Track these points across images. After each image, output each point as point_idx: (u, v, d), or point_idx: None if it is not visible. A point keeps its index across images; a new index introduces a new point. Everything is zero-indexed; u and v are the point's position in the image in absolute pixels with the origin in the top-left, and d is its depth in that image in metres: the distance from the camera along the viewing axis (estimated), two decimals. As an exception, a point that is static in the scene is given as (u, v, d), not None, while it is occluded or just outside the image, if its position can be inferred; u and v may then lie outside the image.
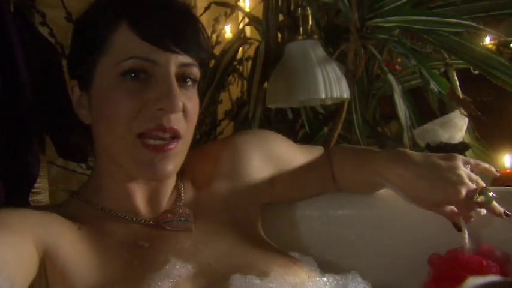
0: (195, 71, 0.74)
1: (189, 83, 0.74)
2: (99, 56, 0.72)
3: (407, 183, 0.80)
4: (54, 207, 0.78)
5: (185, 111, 0.72)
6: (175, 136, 0.72)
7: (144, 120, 0.70)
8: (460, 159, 0.81)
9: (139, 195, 0.77)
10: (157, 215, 0.77)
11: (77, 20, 0.80)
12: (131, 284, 0.67)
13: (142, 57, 0.69)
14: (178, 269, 0.70)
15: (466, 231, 0.78)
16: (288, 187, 0.91)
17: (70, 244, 0.69)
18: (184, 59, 0.71)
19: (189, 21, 0.74)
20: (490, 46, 2.20)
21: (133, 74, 0.70)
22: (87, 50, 0.74)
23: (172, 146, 0.71)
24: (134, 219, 0.76)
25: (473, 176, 0.80)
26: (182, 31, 0.71)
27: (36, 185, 1.14)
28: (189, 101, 0.73)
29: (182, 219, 0.77)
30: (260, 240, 0.81)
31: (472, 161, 0.83)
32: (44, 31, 1.22)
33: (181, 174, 0.82)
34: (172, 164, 0.72)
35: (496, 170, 0.86)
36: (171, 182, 0.81)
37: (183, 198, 0.80)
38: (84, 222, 0.73)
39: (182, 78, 0.73)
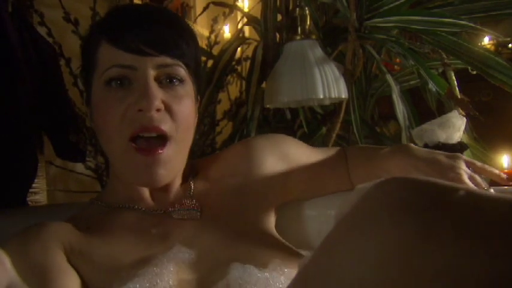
0: (180, 71, 0.77)
1: (176, 83, 0.77)
2: (92, 74, 0.78)
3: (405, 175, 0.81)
4: (74, 214, 0.85)
5: (170, 111, 0.76)
6: (162, 137, 0.75)
7: (130, 123, 0.74)
8: (463, 160, 0.81)
9: (147, 190, 0.82)
10: (165, 206, 0.81)
11: None
12: (139, 262, 0.72)
13: (121, 64, 0.75)
14: (182, 254, 0.73)
15: None
16: (303, 185, 0.93)
17: (81, 241, 0.76)
18: (162, 60, 0.75)
19: (167, 25, 0.78)
20: (488, 46, 2.20)
21: (118, 82, 0.75)
22: (86, 72, 0.81)
23: (160, 150, 0.75)
24: (143, 209, 0.81)
25: (477, 178, 0.79)
26: (157, 35, 0.76)
27: (34, 185, 1.14)
28: (175, 100, 0.76)
29: (189, 209, 0.81)
30: (267, 234, 0.83)
31: (477, 163, 0.83)
32: (42, 31, 1.22)
33: (195, 172, 0.87)
34: (164, 169, 0.76)
35: (507, 178, 0.83)
36: (178, 179, 0.84)
37: (192, 191, 0.84)
38: (95, 220, 0.80)
39: (168, 79, 0.77)
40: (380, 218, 0.41)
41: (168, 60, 0.76)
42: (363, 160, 0.92)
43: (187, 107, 0.78)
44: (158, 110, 0.74)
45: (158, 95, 0.74)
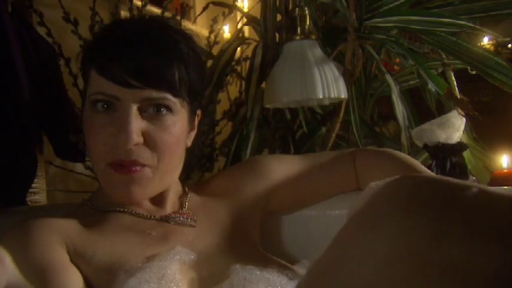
0: (166, 102, 0.76)
1: (164, 112, 0.76)
2: (87, 87, 0.79)
3: None
4: (66, 213, 0.84)
5: (152, 142, 0.75)
6: (141, 165, 0.76)
7: (111, 152, 0.75)
8: None
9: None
10: (163, 215, 0.82)
11: None
12: (144, 258, 0.73)
13: (106, 93, 0.75)
14: (184, 254, 0.74)
15: None
16: (293, 195, 0.94)
17: (81, 239, 0.76)
18: (147, 93, 0.74)
19: (157, 51, 0.75)
20: (488, 46, 2.20)
21: (105, 106, 0.75)
22: (84, 81, 0.82)
23: (137, 168, 0.75)
24: (140, 214, 0.81)
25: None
26: (143, 66, 0.74)
27: (34, 185, 1.14)
28: (159, 130, 0.76)
29: (185, 217, 0.82)
30: (257, 248, 0.86)
31: None
32: (41, 31, 1.22)
33: (187, 192, 0.88)
34: (140, 187, 0.76)
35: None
36: (175, 189, 0.86)
37: (187, 205, 0.85)
38: (92, 220, 0.80)
39: (155, 108, 0.76)
40: (391, 216, 0.41)
41: (153, 93, 0.74)
42: (384, 171, 0.90)
43: (173, 136, 0.77)
44: (136, 144, 0.74)
45: (137, 129, 0.73)
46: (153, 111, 0.75)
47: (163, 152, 0.76)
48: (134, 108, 0.74)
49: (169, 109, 0.76)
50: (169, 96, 0.75)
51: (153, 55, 0.75)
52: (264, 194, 0.91)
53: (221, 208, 0.87)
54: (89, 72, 0.78)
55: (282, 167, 0.94)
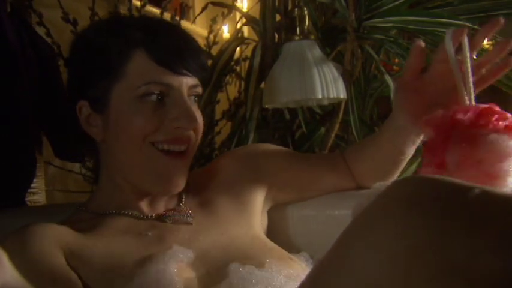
0: (199, 90, 0.82)
1: (195, 100, 0.82)
2: (115, 81, 0.78)
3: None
4: (62, 220, 0.84)
5: (195, 127, 0.81)
6: (187, 149, 0.80)
7: (161, 135, 0.77)
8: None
9: (141, 199, 0.83)
10: (159, 213, 0.83)
11: (81, 41, 0.85)
12: (141, 261, 0.73)
13: (159, 82, 0.76)
14: (181, 254, 0.75)
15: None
16: (293, 187, 0.94)
17: (78, 243, 0.76)
18: (192, 81, 0.80)
19: (192, 45, 0.82)
20: (487, 47, 2.20)
21: (147, 96, 0.77)
22: (100, 74, 0.79)
23: (185, 156, 0.80)
24: (137, 215, 0.82)
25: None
26: (189, 55, 0.79)
27: (33, 185, 1.14)
28: (199, 116, 0.81)
29: (182, 214, 0.82)
30: (259, 238, 0.85)
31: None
32: (40, 31, 1.22)
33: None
34: (184, 176, 0.81)
35: None
36: None
37: (184, 200, 0.86)
38: (88, 225, 0.80)
39: (190, 97, 0.81)
40: (394, 216, 0.42)
41: (195, 80, 0.80)
42: (367, 144, 0.94)
43: (202, 119, 0.82)
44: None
45: (196, 115, 0.78)
46: (189, 99, 0.80)
47: (199, 135, 0.82)
48: (186, 93, 0.79)
49: (198, 96, 0.82)
50: (200, 84, 0.81)
51: (193, 45, 0.81)
52: (268, 178, 0.91)
53: (220, 196, 0.87)
54: (127, 60, 0.76)
55: (285, 151, 0.97)
